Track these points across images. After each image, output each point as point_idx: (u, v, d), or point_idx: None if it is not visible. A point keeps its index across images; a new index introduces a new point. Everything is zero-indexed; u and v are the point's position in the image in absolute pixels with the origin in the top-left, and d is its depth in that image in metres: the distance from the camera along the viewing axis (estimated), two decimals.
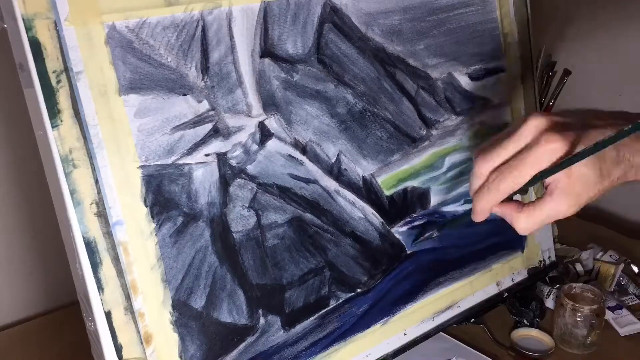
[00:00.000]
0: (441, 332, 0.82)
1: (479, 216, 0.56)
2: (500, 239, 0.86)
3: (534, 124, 0.51)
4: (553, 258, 0.93)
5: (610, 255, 1.00)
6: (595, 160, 0.49)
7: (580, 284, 0.86)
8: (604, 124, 0.51)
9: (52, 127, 0.51)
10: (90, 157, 0.53)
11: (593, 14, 1.11)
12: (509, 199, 0.54)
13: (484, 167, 0.54)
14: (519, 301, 0.88)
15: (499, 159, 0.53)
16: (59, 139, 0.52)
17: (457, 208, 0.81)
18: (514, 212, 0.54)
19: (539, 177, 0.51)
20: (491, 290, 0.85)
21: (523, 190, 0.53)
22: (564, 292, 0.84)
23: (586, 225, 1.13)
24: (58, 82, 0.51)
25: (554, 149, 0.49)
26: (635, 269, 0.97)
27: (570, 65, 1.05)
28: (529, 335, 0.84)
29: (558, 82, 1.05)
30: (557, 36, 1.15)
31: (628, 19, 1.06)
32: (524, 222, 0.54)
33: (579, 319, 0.81)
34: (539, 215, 0.53)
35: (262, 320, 0.65)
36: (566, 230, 1.03)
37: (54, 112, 0.51)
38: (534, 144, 0.50)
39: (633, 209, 1.15)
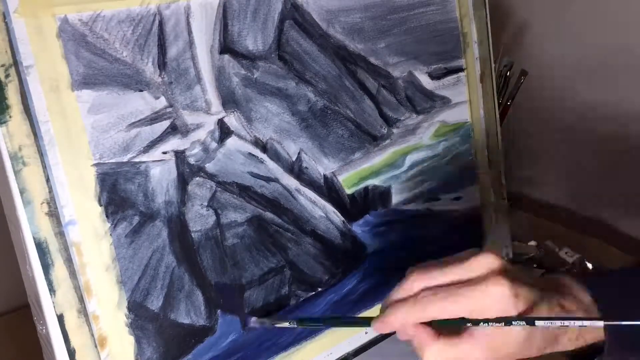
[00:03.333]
0: None
1: (386, 327, 0.50)
2: (459, 237, 0.87)
3: (486, 262, 0.48)
4: (510, 255, 0.94)
5: (566, 252, 1.02)
6: (526, 326, 0.46)
7: None
8: (552, 300, 0.48)
9: (1, 123, 0.49)
10: (41, 154, 0.52)
11: (550, 16, 1.13)
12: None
13: (417, 282, 0.49)
14: None
15: (436, 281, 0.48)
16: (8, 136, 0.50)
17: (418, 207, 0.82)
18: (429, 339, 0.48)
19: (467, 322, 0.46)
20: None
21: (443, 325, 0.48)
22: None
23: (542, 223, 1.15)
24: (7, 76, 0.49)
25: (499, 296, 0.45)
26: (589, 265, 0.99)
27: (527, 65, 1.07)
28: None
29: (515, 82, 1.07)
30: (515, 37, 1.17)
31: (584, 21, 1.08)
32: (434, 355, 0.47)
33: None
34: (452, 354, 0.47)
35: (220, 321, 0.64)
36: (522, 228, 1.05)
37: (2, 107, 0.49)
38: (480, 281, 0.46)
39: (587, 206, 1.18)
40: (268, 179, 0.67)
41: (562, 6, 1.11)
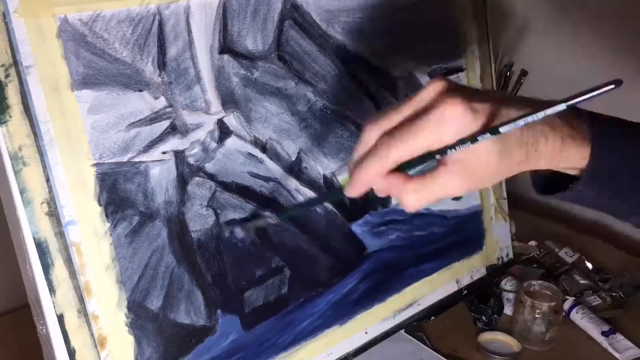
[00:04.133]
0: (405, 334, 0.83)
1: (357, 188, 0.47)
2: (459, 237, 0.87)
3: (434, 86, 0.44)
4: (511, 255, 0.94)
5: (566, 252, 1.02)
6: (497, 139, 0.43)
7: (539, 282, 0.87)
8: (513, 105, 0.45)
9: (1, 123, 0.49)
10: (41, 154, 0.52)
11: (549, 15, 1.13)
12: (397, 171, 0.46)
13: (372, 133, 0.45)
14: (478, 299, 0.89)
15: (390, 122, 0.45)
16: (8, 136, 0.50)
17: None
18: (402, 183, 0.45)
19: (432, 155, 0.43)
20: (451, 288, 0.86)
21: (414, 165, 0.45)
22: (523, 289, 0.86)
23: (542, 223, 1.15)
24: (7, 76, 0.49)
25: (454, 114, 0.42)
26: (590, 265, 0.99)
27: (527, 65, 1.07)
28: (496, 339, 0.85)
29: (515, 82, 1.07)
30: (514, 37, 1.17)
31: (584, 20, 1.08)
32: (412, 196, 0.45)
33: (537, 316, 0.82)
34: (430, 190, 0.45)
35: (220, 321, 0.64)
36: (523, 228, 1.05)
37: (2, 107, 0.49)
38: (433, 107, 0.43)
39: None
40: (267, 179, 0.67)
41: (562, 6, 1.11)
